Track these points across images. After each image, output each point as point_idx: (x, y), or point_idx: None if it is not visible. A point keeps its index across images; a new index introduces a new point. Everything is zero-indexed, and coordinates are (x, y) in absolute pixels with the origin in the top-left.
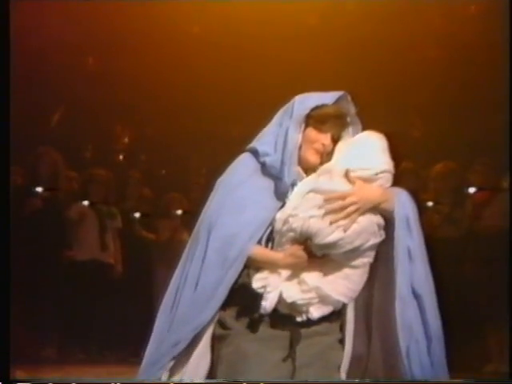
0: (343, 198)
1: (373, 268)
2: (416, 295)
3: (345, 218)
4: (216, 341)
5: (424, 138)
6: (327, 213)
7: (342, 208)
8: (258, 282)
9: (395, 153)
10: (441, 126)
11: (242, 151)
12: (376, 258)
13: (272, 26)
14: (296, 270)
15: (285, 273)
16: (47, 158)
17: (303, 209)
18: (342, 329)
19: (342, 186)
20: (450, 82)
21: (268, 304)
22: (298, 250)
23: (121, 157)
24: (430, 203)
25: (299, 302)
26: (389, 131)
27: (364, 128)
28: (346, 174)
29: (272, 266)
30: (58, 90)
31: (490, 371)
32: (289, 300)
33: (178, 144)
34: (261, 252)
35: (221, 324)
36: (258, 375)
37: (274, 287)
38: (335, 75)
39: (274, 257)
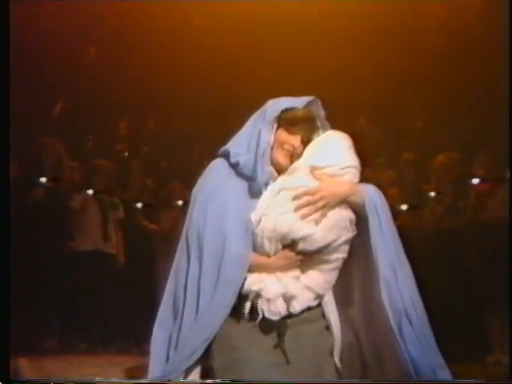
0: (311, 193)
1: (350, 262)
2: None
3: (314, 212)
4: None
5: (426, 128)
6: (297, 208)
7: (311, 203)
8: (255, 284)
9: (396, 144)
10: (443, 117)
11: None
12: (352, 253)
13: (273, 17)
14: (287, 270)
15: (281, 275)
16: (50, 149)
17: (274, 207)
18: (324, 316)
19: (311, 183)
20: (453, 72)
21: (280, 310)
22: (288, 253)
23: (123, 147)
24: (433, 194)
25: (284, 296)
26: (391, 122)
27: (370, 118)
28: (312, 171)
29: (262, 269)
30: (60, 81)
31: (492, 362)
32: (272, 296)
33: (180, 135)
34: (252, 258)
35: None
36: (251, 362)
37: (275, 294)
38: (337, 66)
39: (264, 261)
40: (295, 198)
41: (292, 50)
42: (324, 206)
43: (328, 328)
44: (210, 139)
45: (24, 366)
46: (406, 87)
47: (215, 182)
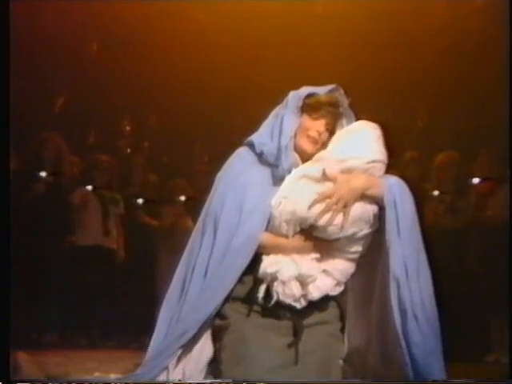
0: (329, 196)
1: (374, 260)
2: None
3: (338, 214)
4: (217, 331)
5: (428, 127)
6: (319, 216)
7: (330, 206)
8: (271, 266)
9: (398, 143)
10: (445, 116)
11: (244, 139)
12: (376, 250)
13: (277, 13)
14: (303, 252)
15: (297, 257)
16: (51, 144)
17: (295, 191)
18: (341, 318)
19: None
20: (454, 72)
21: (295, 292)
22: (305, 236)
23: (124, 143)
24: (433, 193)
25: (299, 278)
26: (393, 121)
27: (371, 117)
28: (324, 173)
29: (279, 251)
30: (61, 76)
31: (491, 361)
32: (287, 278)
33: (182, 131)
34: (266, 237)
35: (219, 315)
36: (260, 360)
37: (290, 275)
38: (339, 65)
39: (281, 241)
40: (311, 205)
41: (294, 48)
42: (345, 206)
43: (342, 330)
44: (211, 135)
45: (24, 361)
46: (407, 87)
47: (238, 168)
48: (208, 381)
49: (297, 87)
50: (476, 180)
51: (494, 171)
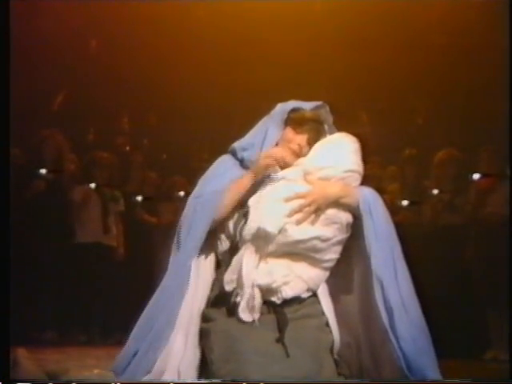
0: (303, 197)
1: (349, 263)
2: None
3: (308, 217)
4: (203, 334)
5: (428, 124)
6: (290, 214)
7: (303, 207)
8: (228, 284)
9: (397, 141)
10: (444, 113)
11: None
12: (351, 254)
13: (277, 11)
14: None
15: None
16: (51, 141)
17: (273, 192)
18: (324, 313)
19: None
20: (454, 69)
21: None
22: None
23: (123, 140)
24: (433, 190)
25: (273, 285)
26: (392, 118)
27: (371, 114)
28: (305, 177)
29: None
30: (61, 73)
31: (490, 358)
32: (263, 287)
33: (180, 129)
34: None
35: (204, 319)
36: (250, 356)
37: (246, 294)
38: (338, 62)
39: None
40: (287, 200)
41: (292, 46)
42: (315, 211)
43: (328, 324)
44: (210, 133)
45: (23, 358)
46: (407, 84)
47: (217, 171)
48: (207, 381)
49: (297, 87)
50: (476, 177)
51: (494, 168)
